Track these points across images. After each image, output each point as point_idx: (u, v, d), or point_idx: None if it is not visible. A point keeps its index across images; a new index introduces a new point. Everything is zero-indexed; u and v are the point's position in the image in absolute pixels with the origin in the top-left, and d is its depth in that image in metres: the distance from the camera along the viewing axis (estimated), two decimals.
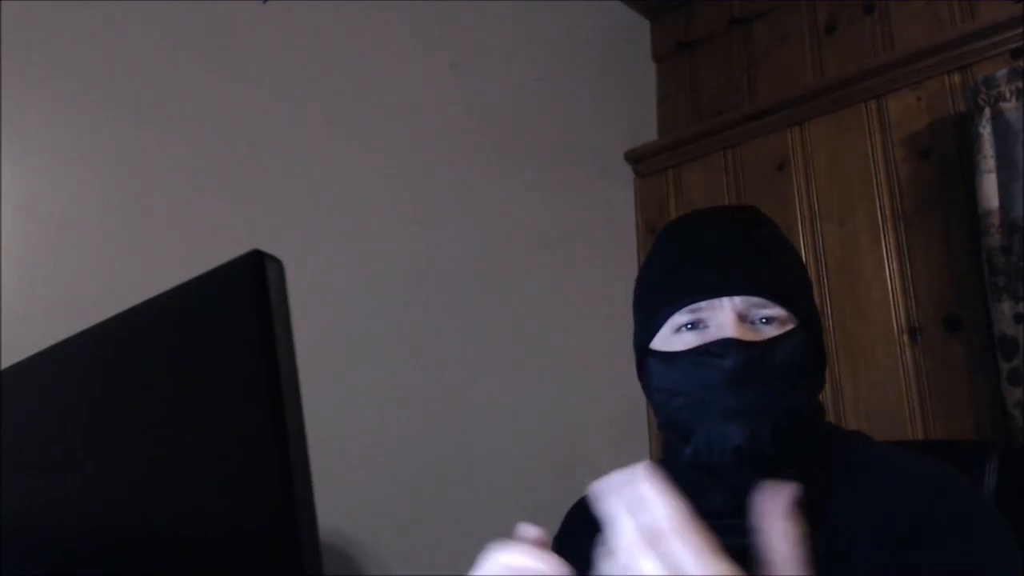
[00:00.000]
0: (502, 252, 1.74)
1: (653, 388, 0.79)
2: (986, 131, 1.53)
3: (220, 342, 0.45)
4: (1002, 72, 1.54)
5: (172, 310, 0.49)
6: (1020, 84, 1.52)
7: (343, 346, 1.40)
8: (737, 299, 0.73)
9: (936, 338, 1.65)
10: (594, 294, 1.91)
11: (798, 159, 1.93)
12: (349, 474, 1.33)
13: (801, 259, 0.83)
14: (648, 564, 0.45)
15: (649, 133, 2.24)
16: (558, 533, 0.97)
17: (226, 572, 0.43)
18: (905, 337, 1.70)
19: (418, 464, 1.47)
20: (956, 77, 1.71)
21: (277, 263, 0.42)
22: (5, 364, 0.68)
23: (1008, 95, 1.53)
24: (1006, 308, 1.47)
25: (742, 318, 0.73)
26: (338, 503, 1.30)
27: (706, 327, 0.75)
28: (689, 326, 0.76)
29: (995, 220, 1.50)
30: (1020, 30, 1.61)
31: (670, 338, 0.77)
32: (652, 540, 0.45)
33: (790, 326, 0.74)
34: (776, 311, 0.73)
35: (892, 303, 1.72)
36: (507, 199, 1.77)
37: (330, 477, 1.28)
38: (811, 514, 0.74)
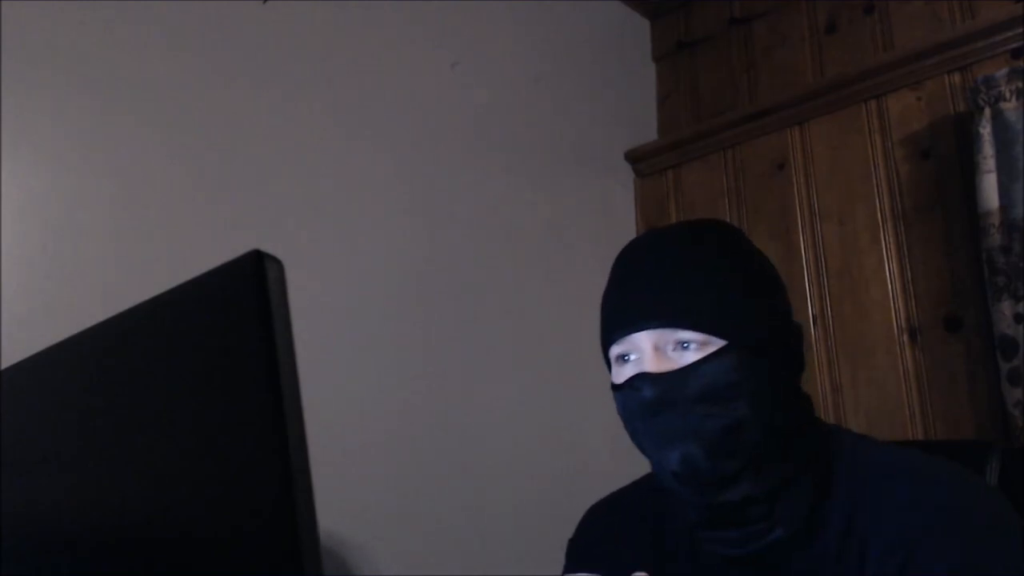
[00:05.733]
0: (502, 252, 1.73)
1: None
2: (986, 131, 1.53)
3: (220, 342, 0.45)
4: (1002, 72, 1.54)
5: (172, 310, 0.49)
6: (1020, 84, 1.52)
7: (343, 346, 1.40)
8: (651, 332, 0.76)
9: (936, 338, 1.65)
10: (594, 294, 1.90)
11: (798, 159, 1.93)
12: (349, 474, 1.33)
13: (749, 274, 0.80)
14: None
15: (649, 133, 2.24)
16: (574, 536, 0.97)
17: (226, 572, 0.43)
18: (905, 337, 1.70)
19: (419, 464, 1.47)
20: (956, 77, 1.71)
21: (277, 263, 0.42)
22: (5, 364, 0.68)
23: (1008, 95, 1.53)
24: (1006, 308, 1.47)
25: (659, 349, 0.76)
26: (338, 503, 1.30)
27: (632, 357, 0.79)
28: (625, 357, 0.80)
29: (995, 220, 1.50)
30: (1020, 30, 1.61)
31: (616, 369, 0.81)
32: None
33: (712, 348, 0.75)
34: (692, 335, 0.75)
35: (892, 303, 1.72)
36: (507, 199, 1.77)
37: (330, 477, 1.28)
38: (802, 518, 0.75)
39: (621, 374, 0.80)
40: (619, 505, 0.96)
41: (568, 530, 1.01)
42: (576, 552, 0.95)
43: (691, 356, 0.75)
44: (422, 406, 1.50)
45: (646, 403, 0.75)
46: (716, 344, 0.75)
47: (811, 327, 1.83)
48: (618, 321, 0.79)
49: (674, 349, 0.76)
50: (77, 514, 0.54)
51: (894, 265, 1.74)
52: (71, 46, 1.16)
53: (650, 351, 0.76)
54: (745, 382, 0.74)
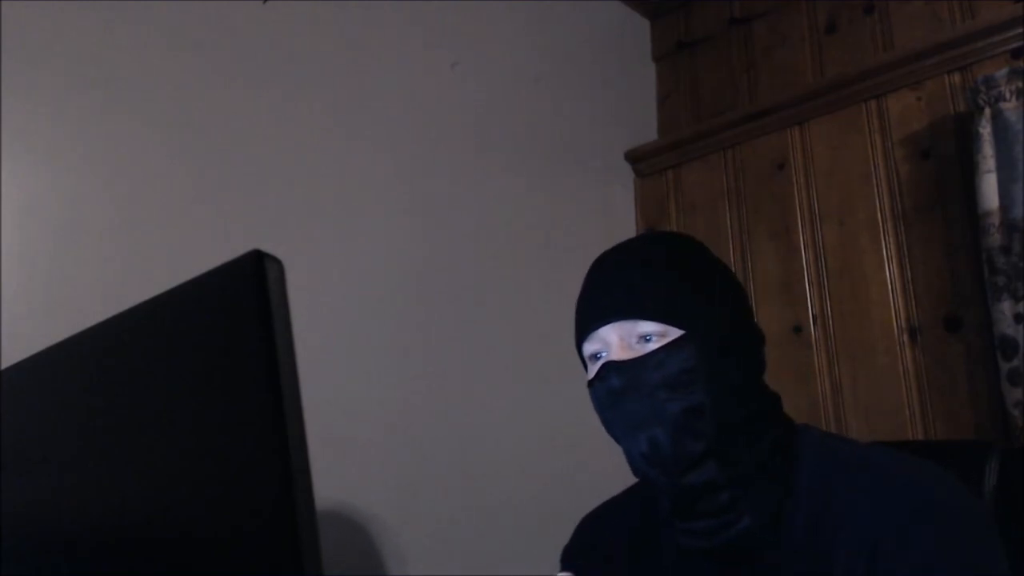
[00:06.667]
0: (502, 252, 1.74)
1: None
2: (986, 131, 1.53)
3: (220, 342, 0.45)
4: (1002, 72, 1.54)
5: (172, 310, 0.49)
6: (1020, 84, 1.52)
7: (343, 346, 1.40)
8: (616, 325, 0.81)
9: (936, 338, 1.65)
10: None
11: (798, 159, 1.93)
12: (349, 474, 1.33)
13: (705, 274, 0.85)
14: None
15: (649, 133, 2.24)
16: (568, 545, 0.98)
17: (226, 572, 0.43)
18: (905, 337, 1.70)
19: (419, 464, 1.47)
20: (956, 77, 1.71)
21: (277, 263, 0.42)
22: (5, 364, 0.68)
23: (1008, 95, 1.53)
24: (1006, 308, 1.47)
25: (623, 341, 0.80)
26: (338, 503, 1.30)
27: (603, 354, 0.83)
28: (597, 356, 0.84)
29: (995, 220, 1.50)
30: (1020, 30, 1.61)
31: (590, 368, 0.86)
32: None
33: (671, 338, 0.79)
34: (652, 327, 0.79)
35: (892, 303, 1.72)
36: (507, 199, 1.77)
37: (330, 477, 1.28)
38: (769, 511, 0.76)
39: (593, 371, 0.84)
40: (610, 512, 0.99)
41: (568, 530, 1.01)
42: (570, 563, 0.96)
43: (652, 347, 0.79)
44: (422, 406, 1.50)
45: (614, 391, 0.80)
46: (675, 335, 0.79)
47: (811, 327, 1.83)
48: (587, 319, 0.84)
49: (637, 342, 0.80)
50: (77, 514, 0.54)
51: (894, 265, 1.74)
52: (71, 46, 1.16)
53: (616, 343, 0.81)
54: (702, 370, 0.78)
